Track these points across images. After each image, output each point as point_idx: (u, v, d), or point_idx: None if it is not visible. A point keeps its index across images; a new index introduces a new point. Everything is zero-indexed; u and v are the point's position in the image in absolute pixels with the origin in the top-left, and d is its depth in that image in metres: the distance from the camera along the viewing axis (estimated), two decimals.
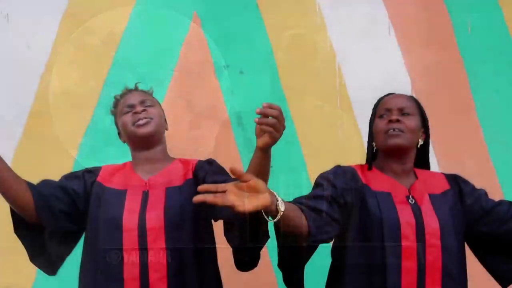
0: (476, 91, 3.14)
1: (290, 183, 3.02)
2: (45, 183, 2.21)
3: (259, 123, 1.93)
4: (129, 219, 2.12)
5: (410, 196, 2.14)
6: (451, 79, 3.14)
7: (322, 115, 3.11)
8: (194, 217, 2.17)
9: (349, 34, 3.19)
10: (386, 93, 2.83)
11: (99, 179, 2.24)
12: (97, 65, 3.11)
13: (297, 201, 2.04)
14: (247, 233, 2.08)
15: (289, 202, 1.96)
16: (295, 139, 3.08)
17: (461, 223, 2.14)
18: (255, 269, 2.92)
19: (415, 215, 2.09)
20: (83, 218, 2.21)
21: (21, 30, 3.14)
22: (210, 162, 2.29)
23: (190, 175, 2.23)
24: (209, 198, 1.67)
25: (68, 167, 2.92)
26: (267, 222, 1.85)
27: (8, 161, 2.97)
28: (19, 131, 3.04)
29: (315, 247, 2.15)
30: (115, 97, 2.38)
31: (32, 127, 3.05)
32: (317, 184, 2.17)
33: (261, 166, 2.01)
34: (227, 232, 2.19)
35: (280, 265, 2.18)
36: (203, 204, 1.76)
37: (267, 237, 2.12)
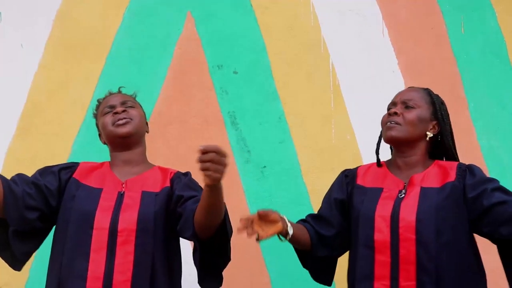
0: (469, 91, 3.14)
1: (283, 183, 3.03)
2: (19, 178, 2.19)
3: (200, 168, 1.91)
4: (101, 218, 2.12)
5: (403, 190, 2.16)
6: (444, 79, 3.15)
7: (316, 115, 3.11)
8: (166, 226, 2.18)
9: (343, 34, 3.19)
10: (379, 92, 2.85)
11: (75, 175, 2.24)
12: (90, 65, 3.11)
13: (306, 219, 2.31)
14: (206, 257, 2.14)
15: (298, 222, 2.28)
16: (289, 139, 3.08)
17: (459, 219, 2.12)
18: (249, 269, 2.93)
19: (394, 209, 2.11)
20: (54, 216, 2.21)
21: (14, 28, 3.13)
22: (186, 174, 2.30)
23: (167, 183, 2.24)
24: (248, 231, 2.03)
25: None
26: (226, 245, 2.13)
27: (2, 159, 3.00)
28: (12, 130, 3.03)
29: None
30: (97, 100, 2.40)
31: (25, 126, 3.04)
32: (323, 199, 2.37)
33: (208, 200, 1.99)
34: (193, 253, 2.22)
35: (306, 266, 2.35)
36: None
37: (227, 260, 2.20)
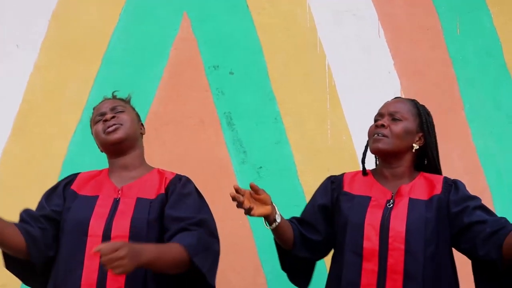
0: (464, 91, 3.15)
1: (279, 184, 3.03)
2: (29, 216, 2.18)
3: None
4: (96, 225, 2.10)
5: (391, 200, 2.17)
6: (440, 79, 3.15)
7: (312, 115, 3.12)
8: (161, 234, 2.15)
9: (339, 35, 3.20)
10: (375, 93, 2.85)
11: (73, 187, 2.23)
12: (86, 65, 3.10)
13: (291, 220, 2.30)
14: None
15: (286, 219, 2.26)
16: (285, 140, 3.08)
17: (443, 232, 2.14)
18: (246, 270, 2.93)
19: (383, 218, 2.13)
20: None
21: (10, 29, 3.13)
22: (180, 179, 2.26)
23: (162, 190, 2.21)
24: (240, 198, 2.04)
25: (57, 167, 2.92)
26: (204, 278, 2.07)
27: None
28: (7, 130, 3.03)
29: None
30: (93, 108, 2.38)
31: (21, 126, 3.03)
32: (306, 205, 2.37)
33: (152, 269, 2.03)
34: None
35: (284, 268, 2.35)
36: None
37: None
